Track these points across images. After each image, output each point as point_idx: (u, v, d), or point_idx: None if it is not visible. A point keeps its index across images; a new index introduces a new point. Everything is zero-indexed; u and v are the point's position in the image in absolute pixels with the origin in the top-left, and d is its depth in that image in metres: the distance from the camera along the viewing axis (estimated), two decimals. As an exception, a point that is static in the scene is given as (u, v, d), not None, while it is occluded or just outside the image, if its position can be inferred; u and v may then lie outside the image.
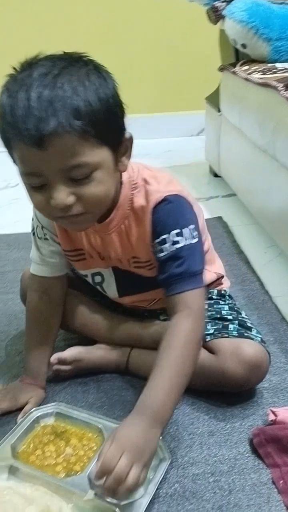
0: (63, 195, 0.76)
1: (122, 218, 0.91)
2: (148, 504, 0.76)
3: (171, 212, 0.87)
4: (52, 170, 0.75)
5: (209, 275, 1.04)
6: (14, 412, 0.96)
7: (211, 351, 0.95)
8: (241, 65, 1.90)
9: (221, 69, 2.04)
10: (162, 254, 0.87)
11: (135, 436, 0.72)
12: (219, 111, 2.06)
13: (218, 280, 1.10)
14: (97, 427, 0.89)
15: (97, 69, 0.78)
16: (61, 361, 1.02)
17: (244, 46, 1.91)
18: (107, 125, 0.76)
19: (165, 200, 0.87)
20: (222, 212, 1.86)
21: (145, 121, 2.84)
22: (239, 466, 0.85)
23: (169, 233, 0.86)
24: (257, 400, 0.98)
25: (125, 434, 0.73)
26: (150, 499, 0.76)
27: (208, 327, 0.98)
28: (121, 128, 0.81)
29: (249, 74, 1.74)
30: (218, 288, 1.10)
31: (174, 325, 0.83)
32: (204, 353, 0.94)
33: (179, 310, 0.84)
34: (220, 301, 1.06)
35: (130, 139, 0.83)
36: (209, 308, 1.04)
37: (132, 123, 2.86)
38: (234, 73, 1.86)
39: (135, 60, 2.75)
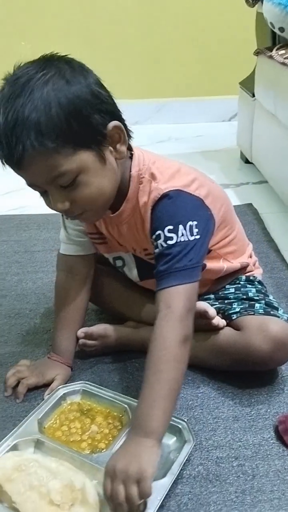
0: (59, 202, 0.82)
1: (132, 211, 0.91)
2: (172, 484, 0.76)
3: (167, 208, 0.86)
4: (40, 182, 0.80)
5: (232, 265, 1.04)
6: (40, 388, 0.97)
7: (237, 328, 0.95)
8: (277, 49, 1.85)
9: (257, 53, 1.99)
10: (156, 250, 0.86)
11: (130, 461, 0.71)
12: (253, 96, 2.02)
13: (246, 268, 1.09)
14: (123, 407, 0.89)
15: (60, 72, 0.77)
16: (87, 336, 1.03)
17: (281, 29, 1.85)
18: (76, 130, 0.77)
19: (164, 197, 0.86)
20: (253, 199, 1.84)
21: (177, 105, 2.81)
22: (263, 452, 0.84)
23: (163, 229, 0.85)
24: (283, 387, 0.98)
25: (121, 463, 0.71)
26: (173, 480, 0.77)
27: (235, 305, 0.99)
28: (98, 124, 0.79)
29: (286, 58, 1.70)
30: (247, 274, 1.09)
31: (156, 333, 0.80)
32: (230, 331, 0.95)
33: (158, 310, 0.81)
34: (248, 285, 1.05)
35: (118, 127, 0.82)
36: (236, 292, 1.04)
37: (163, 107, 2.84)
38: (270, 57, 1.82)
39: (168, 43, 2.72)
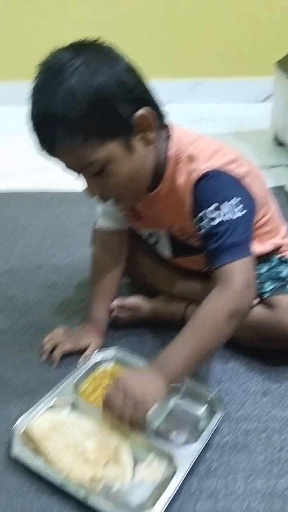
0: (91, 189, 0.86)
1: (169, 191, 0.92)
2: (201, 451, 0.79)
3: (209, 188, 0.86)
4: (73, 169, 0.84)
5: (265, 246, 1.04)
6: (75, 354, 1.00)
7: (268, 307, 0.96)
8: None
9: (295, 32, 1.96)
10: (202, 231, 0.87)
11: (139, 386, 0.78)
12: (289, 76, 1.99)
13: (280, 249, 1.10)
14: (154, 376, 0.92)
15: (88, 62, 0.77)
16: (120, 307, 1.06)
17: None
18: (102, 122, 0.78)
19: (204, 177, 0.86)
20: (285, 181, 1.83)
21: (210, 85, 2.78)
22: (292, 426, 0.86)
23: (206, 209, 0.85)
24: (314, 364, 0.99)
25: (130, 382, 0.78)
26: (203, 446, 0.79)
27: (267, 285, 1.00)
28: (124, 115, 0.80)
29: None
30: (281, 255, 1.09)
31: (207, 298, 0.83)
32: (261, 308, 0.96)
33: (216, 284, 0.83)
34: (280, 266, 1.06)
35: (146, 116, 0.81)
36: (268, 271, 1.04)
37: (196, 87, 2.81)
38: (309, 37, 1.79)
39: (202, 22, 2.68)
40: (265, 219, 1.01)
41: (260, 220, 1.00)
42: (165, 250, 1.07)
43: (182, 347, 0.81)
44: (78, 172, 0.85)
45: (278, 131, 2.16)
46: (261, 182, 0.99)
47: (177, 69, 2.76)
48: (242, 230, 0.86)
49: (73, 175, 0.87)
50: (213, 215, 0.85)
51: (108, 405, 0.79)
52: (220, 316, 0.81)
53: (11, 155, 2.15)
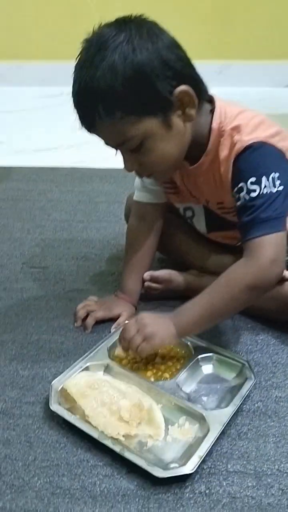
0: (128, 164, 0.88)
1: (211, 164, 0.92)
2: (233, 415, 0.81)
3: (251, 160, 0.86)
4: (111, 144, 0.86)
5: None
6: (107, 322, 1.03)
7: None
8: None
9: None
10: (238, 203, 0.88)
11: (153, 325, 0.87)
12: None
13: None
14: (184, 343, 0.94)
15: (129, 38, 0.78)
16: (153, 279, 1.08)
17: None
18: (141, 99, 0.79)
19: (247, 149, 0.85)
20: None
21: (240, 68, 2.77)
22: None
23: (246, 181, 0.85)
24: None
25: (147, 320, 0.88)
26: (235, 410, 0.81)
27: None
28: (163, 91, 0.80)
29: None
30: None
31: (232, 266, 0.86)
32: None
33: (244, 256, 0.85)
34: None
35: (185, 92, 0.81)
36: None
37: (226, 69, 2.79)
38: None
39: (235, 3, 2.66)
40: None
41: None
42: (200, 224, 1.07)
43: (197, 306, 0.88)
44: (116, 148, 0.87)
45: (309, 114, 2.14)
46: None
47: (207, 51, 2.74)
48: (279, 205, 0.86)
49: (112, 150, 0.89)
50: (252, 187, 0.85)
51: (123, 333, 0.89)
52: (239, 285, 0.84)
53: (43, 131, 2.18)
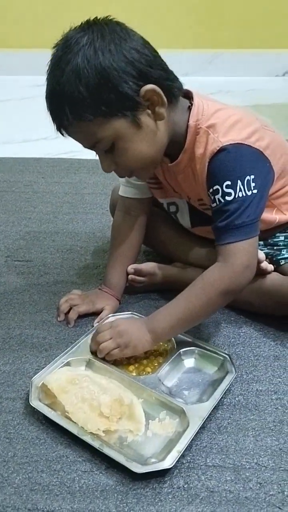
0: (105, 165, 0.88)
1: (189, 161, 0.92)
2: (213, 409, 0.81)
3: (226, 163, 0.86)
4: (85, 147, 0.87)
5: (284, 216, 1.04)
6: (90, 316, 1.03)
7: (284, 274, 0.97)
8: None
9: None
10: (214, 205, 0.88)
11: (128, 334, 0.87)
12: (312, 48, 1.95)
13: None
14: (168, 337, 0.94)
15: (92, 41, 0.78)
16: (137, 272, 1.08)
17: None
18: (107, 100, 0.79)
19: (222, 150, 0.85)
20: (304, 155, 1.81)
21: (230, 57, 2.75)
22: (302, 389, 0.88)
23: (221, 185, 0.85)
24: None
25: (122, 328, 0.89)
26: (215, 404, 0.81)
27: (283, 252, 1.01)
28: (129, 91, 0.79)
29: None
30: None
31: (205, 274, 0.88)
32: (277, 275, 0.97)
33: (218, 260, 0.87)
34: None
35: (153, 91, 0.81)
36: (286, 239, 1.05)
37: (216, 58, 2.79)
38: None
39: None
40: (285, 189, 1.01)
41: (279, 190, 1.00)
42: (184, 219, 1.07)
43: (173, 311, 0.88)
44: (91, 149, 0.87)
45: (298, 104, 2.13)
46: (283, 151, 0.97)
47: (197, 40, 2.72)
48: (253, 210, 0.86)
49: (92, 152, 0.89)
50: (227, 191, 0.85)
51: (96, 336, 0.89)
52: (215, 291, 0.86)
53: (29, 122, 2.16)
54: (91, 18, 0.82)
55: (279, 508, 0.69)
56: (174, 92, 0.86)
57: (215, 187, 0.86)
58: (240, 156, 0.86)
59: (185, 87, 0.91)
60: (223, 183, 0.85)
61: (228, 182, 0.85)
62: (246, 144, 0.87)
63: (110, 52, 0.78)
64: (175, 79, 0.87)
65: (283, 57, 2.64)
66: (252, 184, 0.85)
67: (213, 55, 2.75)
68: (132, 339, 0.87)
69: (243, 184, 0.85)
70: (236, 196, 0.85)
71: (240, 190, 0.85)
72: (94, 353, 0.90)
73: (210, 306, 0.88)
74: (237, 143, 0.86)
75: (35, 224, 1.40)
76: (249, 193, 0.85)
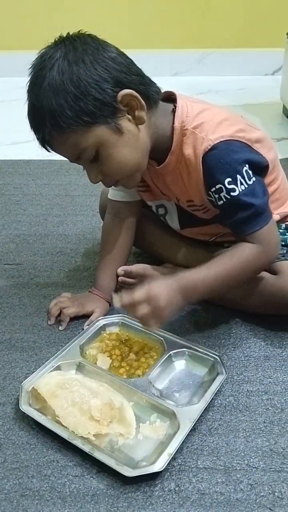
0: (91, 176, 0.89)
1: (177, 163, 0.92)
2: (204, 410, 0.81)
3: (221, 160, 0.86)
4: (71, 159, 0.87)
5: (273, 215, 1.04)
6: (81, 318, 1.03)
7: (274, 273, 0.98)
8: None
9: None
10: (221, 202, 0.89)
11: (163, 296, 0.84)
12: (300, 47, 1.96)
13: (287, 217, 1.10)
14: (158, 339, 0.94)
15: (65, 54, 0.79)
16: (127, 274, 1.08)
17: None
18: (85, 109, 0.79)
19: (214, 148, 0.86)
20: (294, 154, 1.82)
21: (219, 57, 2.75)
22: (293, 388, 0.88)
23: (223, 183, 0.86)
24: (316, 331, 1.00)
25: (157, 290, 0.84)
26: (205, 406, 0.81)
27: None
28: (106, 98, 0.80)
29: None
30: (287, 223, 1.10)
31: (240, 245, 0.90)
32: (266, 275, 0.98)
33: (254, 243, 0.89)
34: (287, 233, 1.07)
35: (130, 95, 0.82)
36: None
37: (205, 58, 2.79)
38: None
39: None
40: (273, 187, 1.02)
41: (268, 188, 1.00)
42: (173, 221, 1.08)
43: (211, 279, 0.88)
44: (76, 161, 0.87)
45: (287, 103, 2.14)
46: (270, 148, 0.98)
47: (186, 40, 2.72)
48: (261, 194, 0.89)
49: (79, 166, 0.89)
50: (230, 187, 0.86)
51: (132, 306, 0.85)
52: (253, 268, 0.91)
53: (18, 123, 2.15)
54: (64, 34, 0.83)
55: (270, 509, 0.69)
56: (152, 95, 0.87)
57: (217, 186, 0.87)
58: (232, 151, 0.87)
59: (175, 87, 0.91)
60: (224, 181, 0.86)
61: (229, 179, 0.86)
62: (235, 140, 0.88)
63: (84, 62, 0.79)
64: (151, 83, 0.88)
65: (273, 56, 2.63)
66: (250, 172, 0.88)
67: (203, 55, 2.75)
68: (165, 305, 0.84)
69: (243, 177, 0.87)
70: (241, 190, 0.86)
71: (242, 183, 0.86)
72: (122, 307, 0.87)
73: (243, 279, 0.92)
74: (227, 139, 0.87)
75: (25, 227, 1.39)
76: (250, 182, 0.87)
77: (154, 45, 2.54)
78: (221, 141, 0.86)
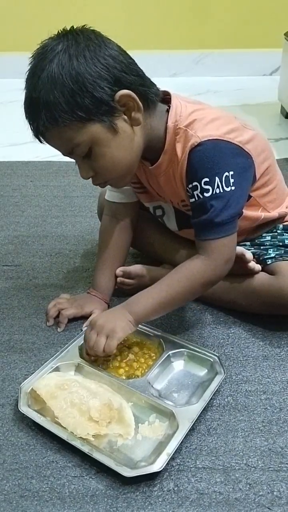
0: (83, 171, 0.88)
1: (170, 162, 0.92)
2: (203, 410, 0.81)
3: (204, 159, 0.86)
4: (63, 153, 0.87)
5: (270, 215, 1.05)
6: (79, 319, 1.03)
7: (271, 274, 0.98)
8: None
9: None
10: (192, 200, 0.89)
11: (109, 321, 0.88)
12: (298, 47, 1.96)
13: (285, 217, 1.10)
14: (157, 339, 0.94)
15: (67, 48, 0.79)
16: (125, 274, 1.08)
17: None
18: (82, 105, 0.79)
19: (199, 145, 0.86)
20: (292, 154, 1.82)
21: (217, 57, 2.75)
22: (291, 388, 0.88)
23: (199, 181, 0.86)
24: (314, 330, 1.00)
25: (102, 320, 0.88)
26: (204, 406, 0.82)
27: (270, 251, 1.02)
28: (104, 96, 0.80)
29: None
30: (285, 223, 1.10)
31: (189, 263, 0.90)
32: (264, 275, 0.98)
33: (200, 253, 0.90)
34: (285, 234, 1.07)
35: (127, 96, 0.82)
36: (272, 239, 1.06)
37: (203, 59, 2.80)
38: None
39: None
40: (269, 187, 1.02)
41: (264, 187, 1.01)
42: (171, 222, 1.08)
43: (155, 295, 0.90)
44: (69, 155, 0.87)
45: (285, 103, 2.14)
46: (264, 148, 0.98)
47: (184, 41, 2.72)
48: (233, 205, 0.87)
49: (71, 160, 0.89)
50: (205, 187, 0.86)
51: (86, 344, 0.89)
52: (198, 281, 0.90)
53: (17, 125, 2.15)
54: (67, 27, 0.83)
55: (269, 508, 0.69)
56: (150, 97, 0.87)
57: (194, 183, 0.87)
58: (218, 152, 0.87)
59: (173, 87, 0.91)
60: (201, 180, 0.86)
61: (206, 179, 0.86)
62: (225, 140, 0.87)
63: (85, 58, 0.79)
64: (151, 84, 0.88)
65: (271, 57, 2.64)
66: (231, 180, 0.86)
67: (201, 55, 2.76)
68: (115, 324, 0.87)
69: (221, 181, 0.85)
70: (214, 193, 0.86)
71: (218, 186, 0.85)
72: (90, 360, 0.90)
73: (191, 293, 0.92)
74: (215, 139, 0.87)
75: (24, 228, 1.40)
76: (227, 189, 0.86)
77: (152, 45, 2.55)
78: (208, 139, 0.86)
